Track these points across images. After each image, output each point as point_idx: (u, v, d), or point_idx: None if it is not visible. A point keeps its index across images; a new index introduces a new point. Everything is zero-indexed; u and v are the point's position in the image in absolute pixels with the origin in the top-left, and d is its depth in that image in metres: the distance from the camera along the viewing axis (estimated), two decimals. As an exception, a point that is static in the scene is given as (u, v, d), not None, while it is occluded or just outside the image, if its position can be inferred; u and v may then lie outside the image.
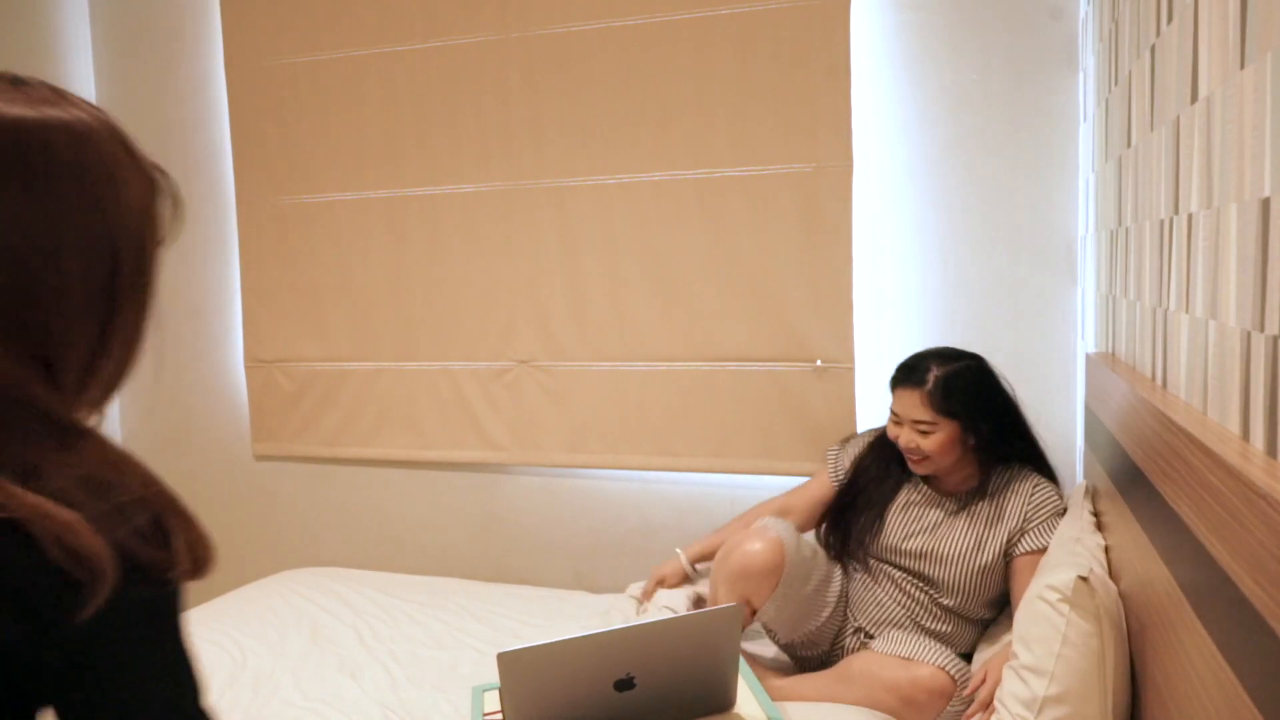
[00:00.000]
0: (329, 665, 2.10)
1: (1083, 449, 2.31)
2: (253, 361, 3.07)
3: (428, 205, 2.85)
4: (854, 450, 2.09)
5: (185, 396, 3.19)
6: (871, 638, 1.95)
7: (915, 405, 1.85)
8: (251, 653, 2.16)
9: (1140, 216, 1.65)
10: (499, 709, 1.39)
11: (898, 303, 2.54)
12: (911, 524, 1.95)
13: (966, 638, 1.93)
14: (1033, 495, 1.89)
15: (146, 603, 0.68)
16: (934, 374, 1.85)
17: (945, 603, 1.90)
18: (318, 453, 3.03)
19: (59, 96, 0.73)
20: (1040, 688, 1.38)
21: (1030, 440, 1.98)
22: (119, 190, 0.74)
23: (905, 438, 1.88)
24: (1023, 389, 2.48)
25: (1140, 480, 1.42)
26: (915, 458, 1.89)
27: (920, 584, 1.93)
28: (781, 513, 2.11)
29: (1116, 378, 1.67)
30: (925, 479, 1.98)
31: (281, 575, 2.72)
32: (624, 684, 1.31)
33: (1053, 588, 1.43)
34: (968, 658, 1.93)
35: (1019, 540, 1.86)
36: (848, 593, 2.01)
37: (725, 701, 1.42)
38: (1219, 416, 1.14)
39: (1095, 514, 1.92)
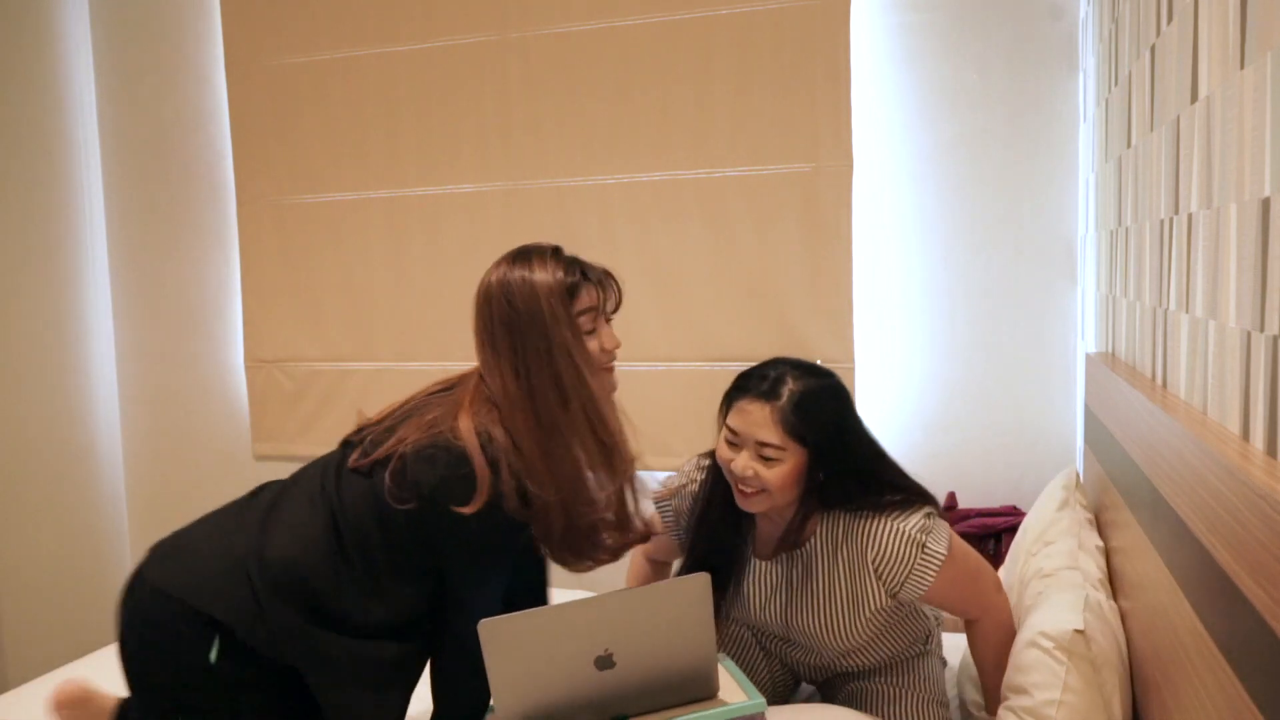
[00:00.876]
0: (329, 665, 2.08)
1: (1083, 449, 2.31)
2: (253, 361, 3.07)
3: (428, 205, 2.85)
4: (685, 504, 1.70)
5: (185, 396, 3.19)
6: (836, 677, 1.75)
7: (763, 423, 1.46)
8: (251, 653, 2.15)
9: (1140, 216, 1.65)
10: None
11: (898, 302, 2.54)
12: (766, 605, 1.63)
13: (902, 642, 1.67)
14: (879, 563, 1.51)
15: (497, 522, 1.36)
16: (790, 388, 1.47)
17: (847, 654, 1.65)
18: (318, 453, 2.94)
19: (542, 263, 1.43)
20: None
21: (878, 490, 1.54)
22: (542, 306, 1.41)
23: (741, 463, 1.48)
24: (1023, 389, 2.48)
25: (1141, 481, 1.42)
26: (748, 490, 1.49)
27: (821, 655, 1.67)
28: (647, 565, 1.86)
29: (1117, 378, 1.67)
30: (751, 537, 1.63)
31: (281, 575, 2.71)
32: (604, 661, 1.31)
33: (1047, 635, 1.39)
34: (924, 642, 1.72)
35: (899, 594, 1.53)
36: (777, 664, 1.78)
37: (707, 689, 1.41)
38: (1219, 416, 1.14)
39: (1085, 506, 1.92)
